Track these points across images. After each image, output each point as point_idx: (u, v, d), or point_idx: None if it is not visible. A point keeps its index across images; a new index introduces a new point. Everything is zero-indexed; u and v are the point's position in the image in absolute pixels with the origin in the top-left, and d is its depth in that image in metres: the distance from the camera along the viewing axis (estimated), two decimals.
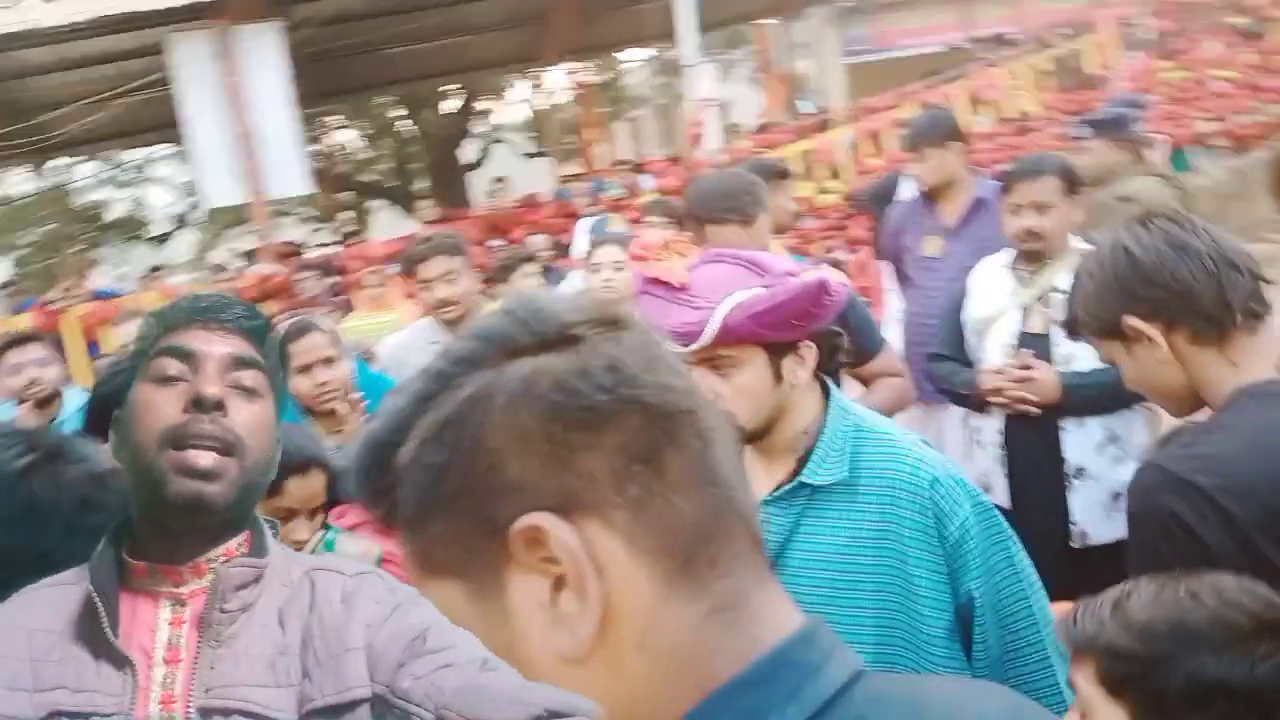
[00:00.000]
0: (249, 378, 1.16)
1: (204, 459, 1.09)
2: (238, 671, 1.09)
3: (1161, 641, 1.01)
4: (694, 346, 1.43)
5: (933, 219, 3.46)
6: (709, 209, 2.52)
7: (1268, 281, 1.39)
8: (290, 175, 7.96)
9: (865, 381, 2.57)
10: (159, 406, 1.12)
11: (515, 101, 17.60)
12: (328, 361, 2.50)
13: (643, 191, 8.49)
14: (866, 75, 15.63)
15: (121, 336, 3.13)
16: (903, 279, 3.61)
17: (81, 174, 16.65)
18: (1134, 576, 1.32)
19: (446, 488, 0.55)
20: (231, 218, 17.16)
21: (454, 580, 0.56)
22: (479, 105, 16.65)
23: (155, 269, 8.88)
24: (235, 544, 1.15)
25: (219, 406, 1.11)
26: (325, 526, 2.27)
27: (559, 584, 0.54)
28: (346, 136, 17.62)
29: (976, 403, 2.61)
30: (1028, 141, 8.82)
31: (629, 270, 3.24)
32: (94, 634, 1.08)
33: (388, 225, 17.04)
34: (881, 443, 1.49)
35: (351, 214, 16.75)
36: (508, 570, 0.54)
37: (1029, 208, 2.58)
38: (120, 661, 1.07)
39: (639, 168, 9.76)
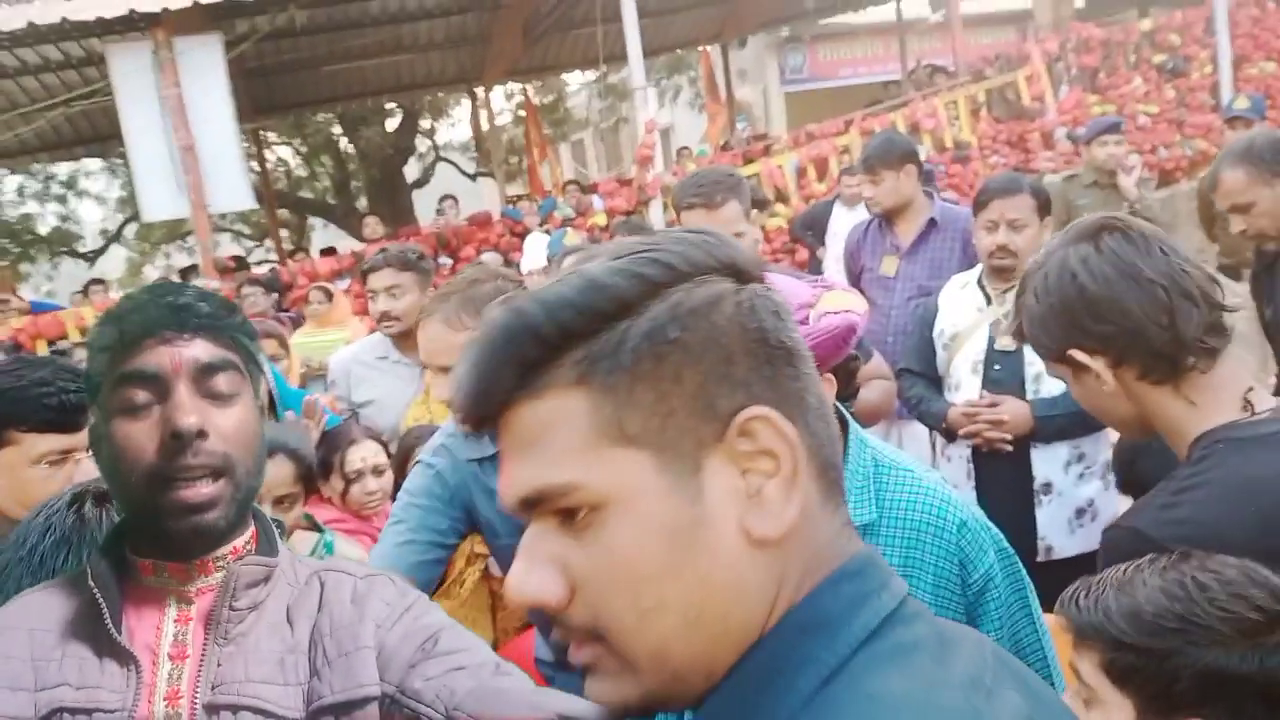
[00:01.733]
0: (223, 381, 1.08)
1: (196, 492, 1.04)
2: (246, 668, 1.07)
3: (1169, 636, 1.00)
4: None
5: (889, 240, 3.56)
6: (679, 197, 2.59)
7: (1226, 307, 1.29)
8: (232, 190, 7.81)
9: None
10: (135, 443, 1.05)
11: (459, 121, 17.55)
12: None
13: (594, 212, 8.53)
14: (807, 104, 15.97)
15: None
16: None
17: (9, 186, 16.11)
18: None
19: (677, 363, 0.58)
20: (165, 233, 16.79)
21: (647, 451, 0.58)
22: (422, 124, 16.58)
23: (96, 282, 8.61)
24: (242, 541, 1.13)
25: (200, 435, 1.04)
26: (318, 529, 2.26)
27: (767, 474, 0.59)
28: (285, 153, 17.39)
29: (947, 434, 2.68)
30: (966, 170, 9.09)
31: None
32: (97, 631, 1.05)
33: (327, 244, 16.81)
34: (905, 481, 1.40)
35: (288, 232, 16.48)
36: (711, 453, 0.58)
37: (1003, 225, 2.65)
38: (124, 658, 1.05)
39: (589, 189, 9.80)
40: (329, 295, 5.60)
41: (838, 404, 1.44)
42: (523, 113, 14.53)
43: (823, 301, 1.28)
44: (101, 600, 1.05)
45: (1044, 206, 2.69)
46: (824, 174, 8.95)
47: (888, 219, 3.56)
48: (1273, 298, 2.60)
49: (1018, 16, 16.06)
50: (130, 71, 7.46)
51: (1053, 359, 1.37)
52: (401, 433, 2.64)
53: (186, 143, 7.41)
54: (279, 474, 2.18)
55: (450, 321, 1.84)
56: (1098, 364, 1.30)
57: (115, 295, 8.41)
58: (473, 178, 17.46)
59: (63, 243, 16.39)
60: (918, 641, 0.60)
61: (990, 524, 1.40)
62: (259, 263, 12.99)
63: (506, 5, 11.07)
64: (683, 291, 0.60)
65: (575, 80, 19.27)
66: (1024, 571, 1.41)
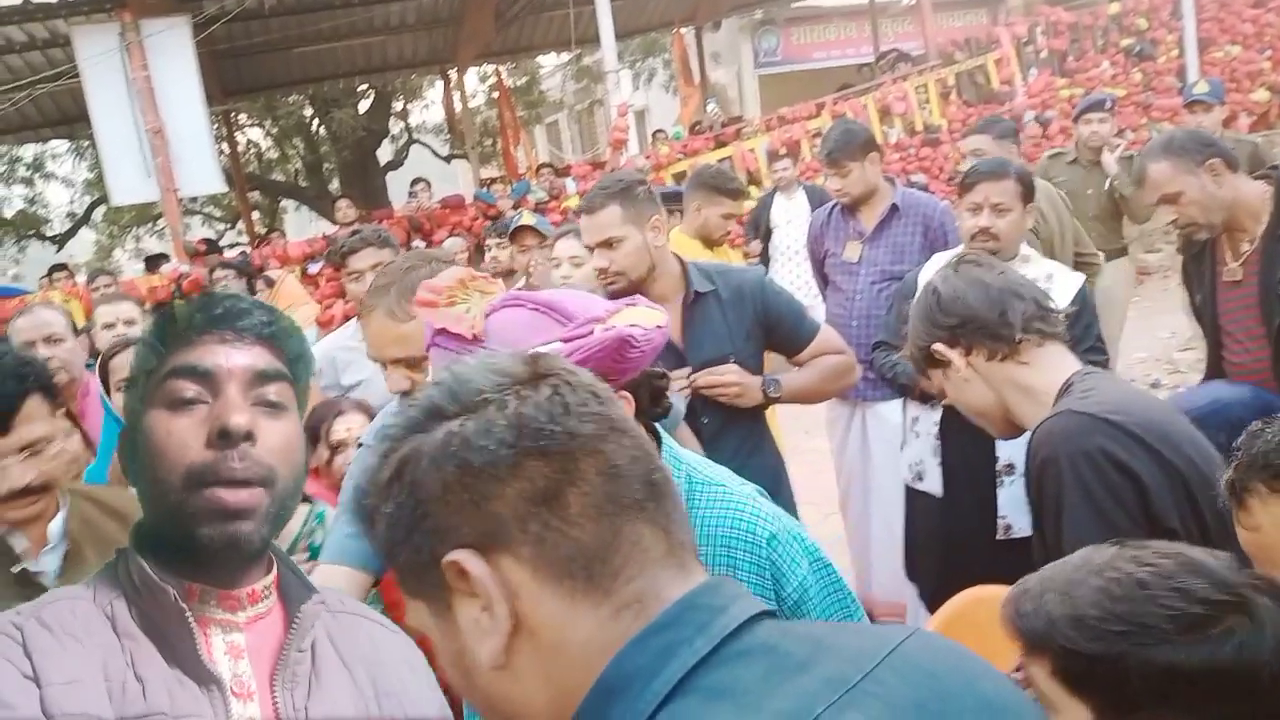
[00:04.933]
0: (274, 391, 1.05)
1: (236, 498, 1.00)
2: (322, 711, 1.04)
3: (1116, 639, 0.98)
4: None
5: (853, 225, 3.62)
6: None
7: (1053, 310, 1.68)
8: (202, 174, 7.77)
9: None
10: (179, 438, 1.00)
11: (432, 103, 17.44)
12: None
13: (566, 194, 8.55)
14: (781, 86, 15.99)
15: (23, 331, 3.05)
16: (825, 283, 3.77)
17: None
18: (1067, 522, 1.44)
19: (397, 531, 0.68)
20: (134, 216, 16.59)
21: (422, 602, 0.70)
22: (395, 106, 16.46)
23: (60, 268, 8.54)
24: (272, 571, 1.10)
25: (248, 437, 1.01)
26: (307, 500, 2.32)
27: (484, 606, 0.66)
28: (255, 135, 17.21)
29: (919, 394, 2.75)
30: (935, 153, 9.18)
31: (588, 265, 3.12)
32: (180, 652, 0.99)
33: (300, 226, 16.69)
34: (716, 496, 1.40)
35: (260, 215, 16.34)
36: (451, 594, 0.67)
37: (987, 208, 2.71)
38: (207, 681, 0.99)
39: (562, 171, 9.80)
40: (270, 283, 5.64)
41: (644, 421, 1.38)
42: (496, 95, 14.46)
43: (615, 318, 1.27)
44: (192, 619, 1.00)
45: (1028, 192, 2.75)
46: (796, 157, 9.00)
47: (851, 206, 3.62)
48: (1201, 285, 2.69)
49: (988, 0, 16.15)
50: (97, 53, 7.39)
51: (926, 362, 1.72)
52: None
53: (155, 126, 7.35)
54: None
55: (393, 313, 1.81)
56: (954, 354, 1.67)
57: (81, 280, 8.34)
58: (447, 160, 17.37)
59: (29, 226, 16.15)
60: (726, 687, 0.62)
61: (804, 536, 1.37)
62: (230, 246, 12.89)
63: None
64: (392, 458, 0.70)
65: (549, 62, 19.19)
66: (842, 581, 1.40)
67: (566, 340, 1.24)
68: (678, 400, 2.12)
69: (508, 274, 4.67)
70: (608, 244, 2.45)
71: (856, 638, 0.69)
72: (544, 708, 0.67)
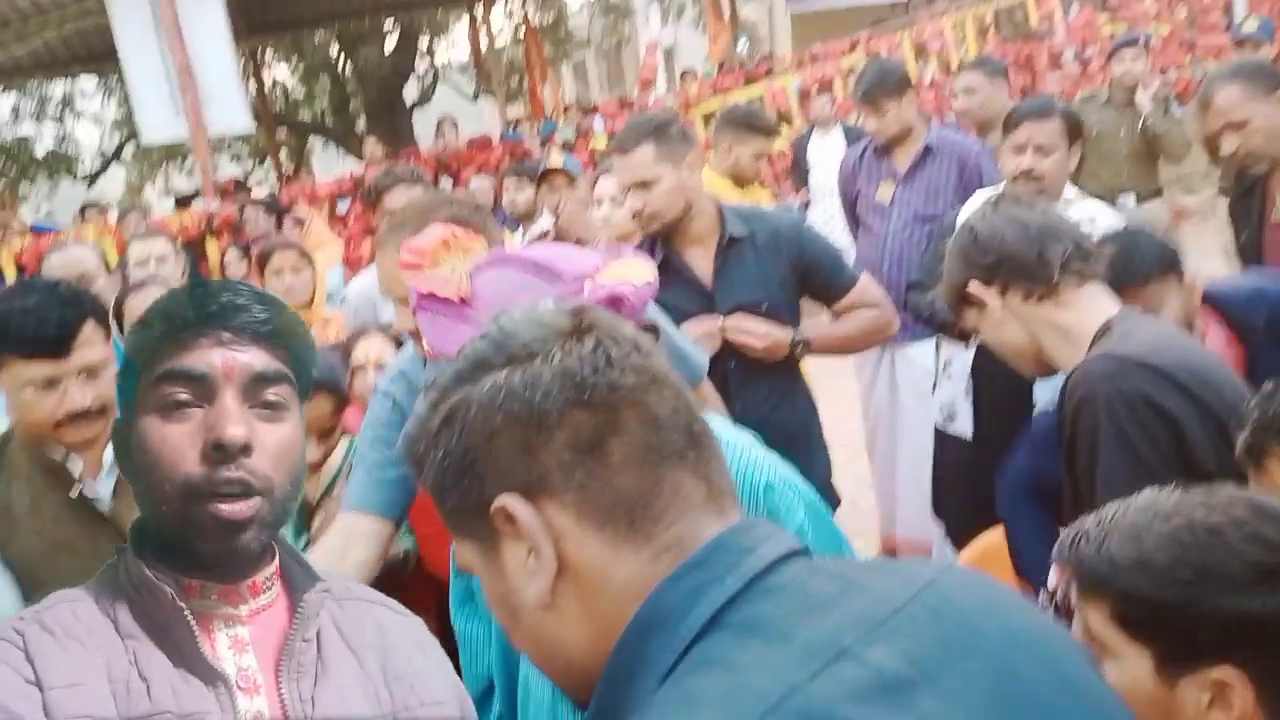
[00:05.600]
0: (274, 394, 1.01)
1: (233, 511, 0.97)
2: (341, 703, 1.03)
3: (1185, 587, 0.96)
4: None
5: (885, 166, 3.57)
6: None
7: (1094, 251, 1.65)
8: (230, 111, 7.73)
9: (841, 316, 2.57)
10: (173, 447, 0.97)
11: (458, 41, 17.24)
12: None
13: (594, 134, 8.47)
14: (813, 24, 15.64)
15: (56, 268, 3.09)
16: (857, 224, 3.73)
17: (4, 107, 15.94)
18: (1102, 465, 1.43)
19: (447, 477, 0.71)
20: (163, 155, 16.64)
21: (472, 542, 0.73)
22: (421, 44, 16.29)
23: (91, 206, 8.60)
24: (274, 561, 1.08)
25: (244, 450, 0.97)
26: (346, 432, 2.37)
27: (531, 549, 0.69)
28: (282, 74, 17.13)
29: (957, 331, 2.72)
30: None
31: (631, 202, 3.31)
32: (183, 649, 0.98)
33: (327, 164, 16.68)
34: None
35: (287, 153, 16.34)
36: (499, 537, 0.70)
37: (1030, 148, 2.63)
38: (211, 678, 0.98)
39: (590, 110, 9.70)
40: (300, 223, 5.66)
41: None
42: (523, 33, 14.26)
43: (603, 274, 1.24)
44: (191, 621, 0.98)
45: (1073, 131, 2.67)
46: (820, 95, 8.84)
47: (884, 146, 3.56)
48: (1248, 223, 2.63)
49: None
50: None
51: (961, 302, 1.70)
52: None
53: (183, 63, 7.32)
54: (322, 409, 2.26)
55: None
56: (989, 293, 1.65)
57: (112, 218, 8.40)
58: (473, 99, 17.23)
59: (60, 164, 16.26)
60: (756, 622, 0.64)
61: (800, 484, 1.35)
62: (258, 184, 12.92)
63: None
64: (442, 408, 0.72)
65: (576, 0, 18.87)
66: (838, 529, 1.40)
67: (559, 298, 1.17)
68: (698, 353, 2.07)
69: (526, 217, 4.64)
70: (642, 185, 2.40)
71: (887, 576, 0.70)
72: (586, 645, 0.69)
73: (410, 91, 16.33)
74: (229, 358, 0.99)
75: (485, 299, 1.24)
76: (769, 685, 0.59)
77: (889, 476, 3.62)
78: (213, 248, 7.30)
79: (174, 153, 16.19)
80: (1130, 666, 1.00)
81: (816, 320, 2.60)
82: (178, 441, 0.97)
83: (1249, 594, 0.95)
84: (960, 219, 2.78)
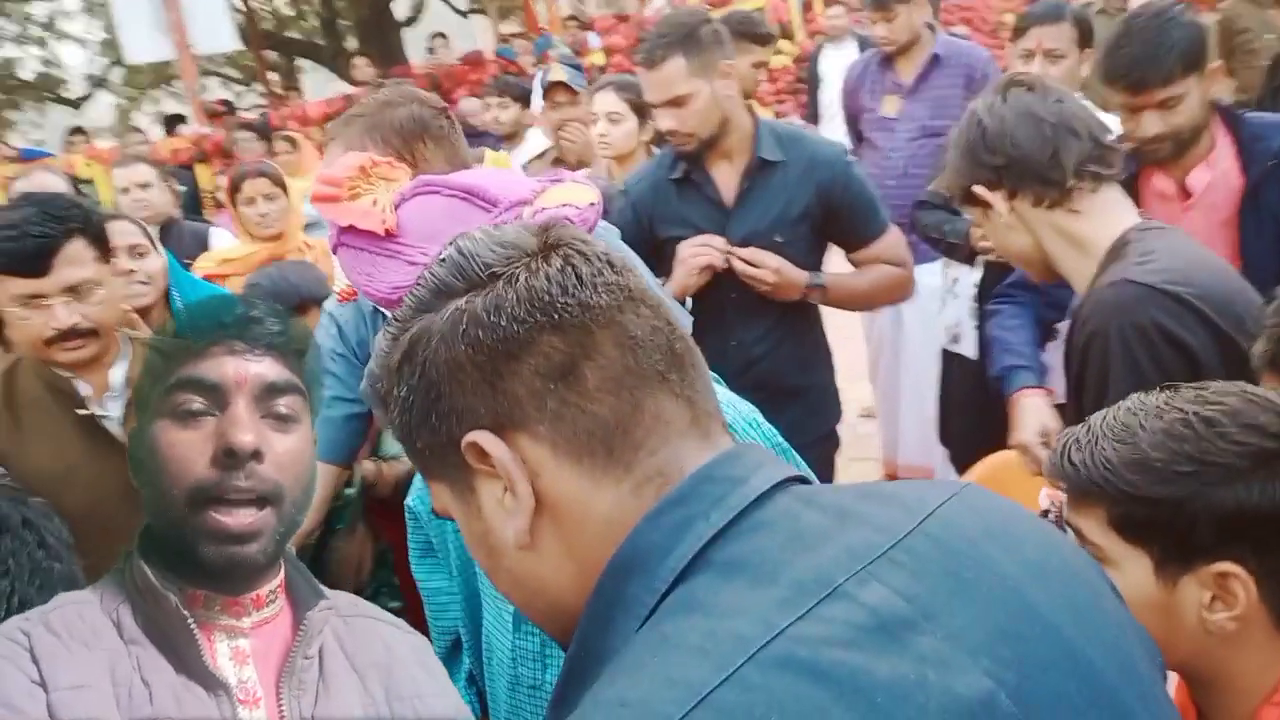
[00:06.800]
0: (285, 404, 1.03)
1: (240, 519, 0.99)
2: (329, 714, 1.03)
3: (1184, 481, 0.94)
4: None
5: (890, 78, 3.44)
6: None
7: (1113, 148, 1.49)
8: (215, 29, 7.54)
9: (861, 266, 2.39)
10: (184, 453, 0.99)
11: None
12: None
13: (590, 50, 8.25)
14: None
15: (33, 185, 3.01)
16: (860, 140, 3.61)
17: None
18: (1111, 398, 1.39)
19: (413, 415, 0.66)
20: (152, 78, 16.30)
21: (443, 483, 0.68)
22: None
23: (78, 130, 8.43)
24: (280, 574, 1.08)
25: (255, 455, 0.99)
26: None
27: (500, 484, 0.64)
28: None
29: (966, 253, 2.64)
30: (979, 3, 8.71)
31: (628, 122, 3.01)
32: (184, 657, 0.99)
33: (317, 87, 16.35)
34: None
35: (277, 75, 16.00)
36: (472, 475, 0.66)
37: (1039, 54, 2.52)
38: (213, 686, 0.99)
39: (587, 25, 9.43)
40: (294, 144, 5.50)
41: None
42: None
43: (543, 198, 1.16)
44: (194, 626, 0.99)
45: (1085, 36, 2.56)
46: (832, 6, 8.58)
47: (888, 57, 3.42)
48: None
49: None
50: None
51: (963, 201, 1.57)
52: None
53: None
54: (313, 325, 2.24)
55: (351, 148, 1.56)
56: (995, 197, 1.51)
57: (99, 144, 8.24)
58: (464, 15, 16.77)
59: (48, 89, 15.94)
60: (743, 560, 0.60)
61: (760, 421, 1.28)
62: (249, 108, 12.66)
63: None
64: (402, 340, 0.67)
65: None
66: (805, 467, 1.36)
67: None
68: (683, 316, 1.91)
69: (511, 137, 4.51)
70: (675, 102, 2.18)
71: (888, 503, 0.64)
72: (569, 585, 0.65)
73: (401, 8, 15.89)
74: (242, 368, 1.02)
75: (413, 230, 1.14)
76: (751, 629, 0.55)
77: (892, 402, 3.58)
78: (204, 173, 7.16)
79: (162, 76, 15.86)
80: (1129, 571, 0.98)
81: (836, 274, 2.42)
82: (189, 446, 1.00)
83: (1247, 483, 0.93)
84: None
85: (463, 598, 1.37)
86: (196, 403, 1.00)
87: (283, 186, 3.25)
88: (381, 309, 1.65)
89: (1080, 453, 1.01)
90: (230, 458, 0.98)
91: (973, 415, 2.77)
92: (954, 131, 1.57)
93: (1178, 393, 1.01)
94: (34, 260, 1.65)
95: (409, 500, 1.43)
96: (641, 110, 3.06)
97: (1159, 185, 2.01)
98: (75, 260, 1.68)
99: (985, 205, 1.54)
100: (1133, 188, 2.04)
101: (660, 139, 3.37)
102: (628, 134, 3.06)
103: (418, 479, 1.41)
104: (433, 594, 1.46)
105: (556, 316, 0.63)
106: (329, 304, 1.83)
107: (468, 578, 1.32)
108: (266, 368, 1.03)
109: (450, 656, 1.45)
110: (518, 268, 0.65)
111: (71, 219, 1.70)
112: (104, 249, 1.77)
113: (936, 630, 0.56)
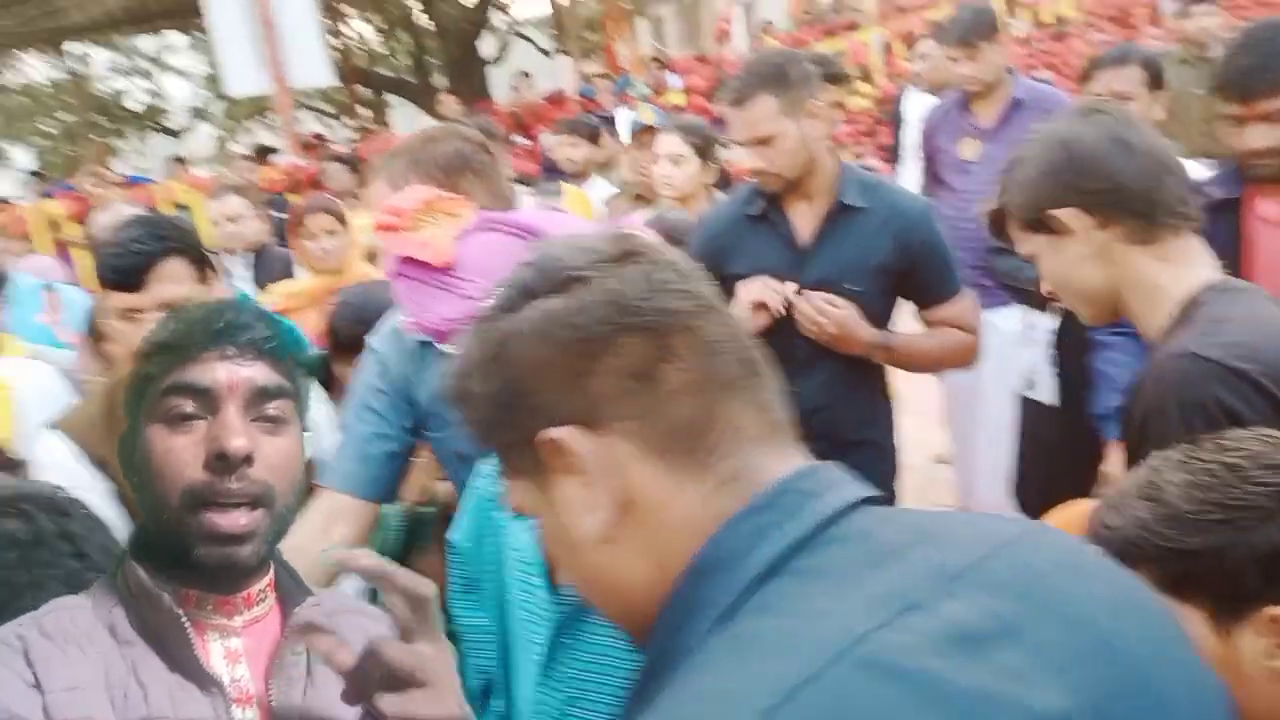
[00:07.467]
0: (276, 408, 1.04)
1: (232, 521, 1.00)
2: (317, 712, 1.05)
3: (1218, 529, 0.94)
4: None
5: (969, 120, 3.42)
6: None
7: (1200, 191, 1.43)
8: (312, 65, 7.84)
9: (931, 327, 2.33)
10: (176, 457, 1.00)
11: None
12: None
13: (669, 89, 8.36)
14: None
15: (103, 227, 3.17)
16: (936, 182, 3.60)
17: (98, 62, 16.45)
18: None
19: (495, 411, 0.69)
20: (249, 110, 16.98)
21: (524, 480, 0.70)
22: None
23: (178, 159, 8.83)
24: (269, 574, 1.10)
25: (246, 460, 1.00)
26: None
27: (588, 482, 0.66)
28: (361, 29, 17.26)
29: (1039, 300, 2.60)
30: (1064, 47, 8.62)
31: (690, 164, 3.03)
32: (178, 656, 1.00)
33: (405, 121, 16.83)
34: None
35: (368, 110, 16.53)
36: (552, 470, 0.67)
37: (1110, 98, 2.46)
38: (206, 684, 1.01)
39: (667, 65, 9.57)
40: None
41: None
42: None
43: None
44: (188, 625, 1.01)
45: (1155, 80, 2.54)
46: (913, 50, 8.57)
47: (968, 99, 3.41)
48: None
49: None
50: None
51: (1034, 226, 1.43)
52: None
53: (265, 16, 7.42)
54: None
55: (396, 183, 1.59)
56: (1083, 223, 1.38)
57: (198, 172, 8.60)
58: (548, 54, 17.15)
59: (152, 119, 16.75)
60: (822, 569, 0.61)
61: None
62: (340, 140, 13.10)
63: None
64: (486, 340, 0.69)
65: None
66: None
67: None
68: None
69: (581, 175, 4.59)
70: (762, 141, 2.15)
71: (964, 528, 0.66)
72: (645, 581, 0.67)
73: (487, 47, 16.32)
74: (233, 372, 1.03)
75: (471, 265, 1.15)
76: (833, 633, 0.56)
77: (968, 447, 3.53)
78: (296, 202, 7.42)
79: (258, 108, 16.51)
80: (1189, 631, 0.94)
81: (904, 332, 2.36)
82: (181, 451, 1.01)
83: (1278, 524, 0.93)
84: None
85: (498, 638, 1.35)
86: (188, 407, 1.01)
87: (343, 221, 3.30)
88: (428, 341, 1.64)
89: (1114, 516, 1.00)
90: (222, 461, 0.99)
91: (1046, 463, 2.72)
92: (1023, 150, 1.46)
93: (1197, 445, 1.01)
94: (132, 275, 1.72)
95: (452, 535, 1.44)
96: (704, 152, 3.11)
97: (1265, 210, 1.93)
98: (172, 277, 1.75)
99: (1060, 233, 1.41)
100: (1235, 213, 2.00)
101: (723, 181, 3.42)
102: (690, 176, 3.08)
103: (462, 513, 1.41)
104: (470, 631, 1.45)
105: (638, 319, 0.65)
106: (373, 339, 1.81)
107: (503, 618, 1.31)
108: (256, 372, 1.04)
109: (481, 697, 1.42)
110: (599, 272, 0.67)
111: (170, 238, 1.78)
112: (203, 269, 1.83)
113: (1015, 647, 0.57)
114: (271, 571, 1.09)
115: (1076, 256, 1.41)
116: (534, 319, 0.67)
